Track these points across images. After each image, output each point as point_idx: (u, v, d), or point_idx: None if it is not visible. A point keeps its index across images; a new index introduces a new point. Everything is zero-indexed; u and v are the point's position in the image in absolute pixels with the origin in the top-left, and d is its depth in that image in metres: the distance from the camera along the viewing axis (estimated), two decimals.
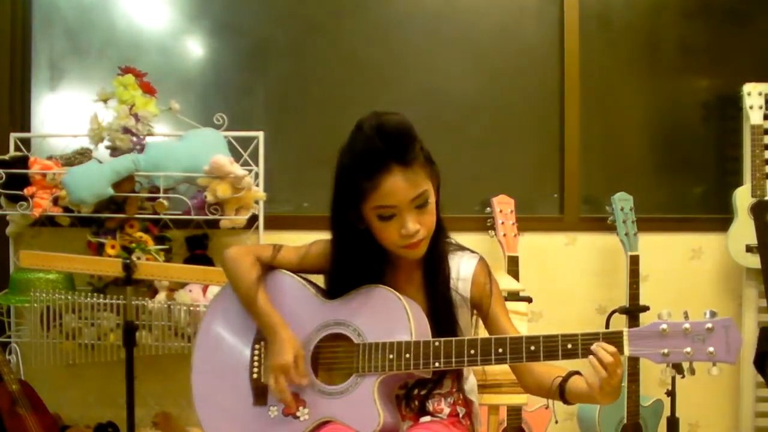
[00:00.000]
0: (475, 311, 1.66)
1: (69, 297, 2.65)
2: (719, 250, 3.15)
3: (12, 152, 2.89)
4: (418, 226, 1.50)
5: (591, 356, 1.39)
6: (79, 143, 2.89)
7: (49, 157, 2.81)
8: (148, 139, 2.79)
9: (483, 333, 1.67)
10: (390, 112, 1.51)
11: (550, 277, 3.15)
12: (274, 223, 2.99)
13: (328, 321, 1.60)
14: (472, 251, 1.68)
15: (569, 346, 1.40)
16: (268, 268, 1.68)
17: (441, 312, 1.60)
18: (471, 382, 1.72)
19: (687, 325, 1.35)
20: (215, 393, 1.64)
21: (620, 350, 1.38)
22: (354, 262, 1.59)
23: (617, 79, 3.26)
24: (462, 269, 1.64)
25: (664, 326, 1.36)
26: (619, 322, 2.91)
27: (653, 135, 3.31)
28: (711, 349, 1.34)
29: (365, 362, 1.52)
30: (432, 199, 1.53)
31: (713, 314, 1.35)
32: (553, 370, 1.54)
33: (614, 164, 3.27)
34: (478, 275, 1.64)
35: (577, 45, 3.18)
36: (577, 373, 1.50)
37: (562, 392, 1.50)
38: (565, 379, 1.50)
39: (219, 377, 1.65)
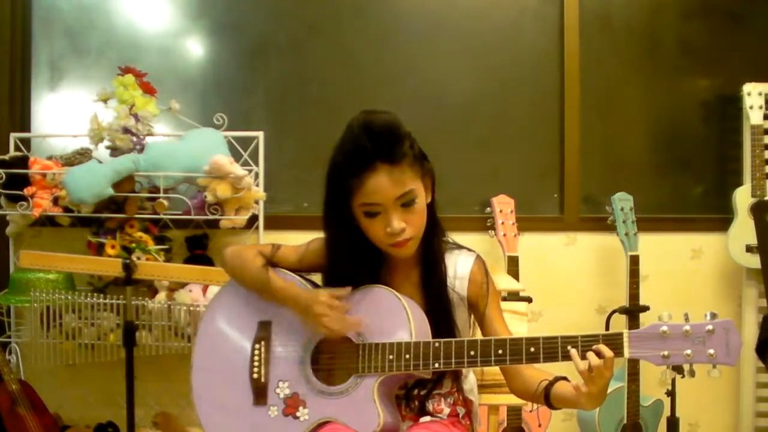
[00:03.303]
0: (471, 311, 1.66)
1: (69, 297, 2.65)
2: (719, 250, 3.15)
3: (12, 152, 2.89)
4: (403, 225, 1.51)
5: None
6: (79, 143, 2.88)
7: (49, 157, 2.81)
8: (148, 139, 2.79)
9: (478, 333, 1.68)
10: (380, 111, 1.52)
11: (550, 277, 3.15)
12: (274, 223, 2.99)
13: None
14: (470, 249, 1.69)
15: (569, 347, 1.40)
16: (269, 263, 1.68)
17: (438, 311, 1.60)
18: (471, 382, 1.72)
19: (687, 327, 1.35)
20: (215, 393, 1.64)
21: (620, 352, 1.38)
22: (349, 259, 1.59)
23: (617, 79, 3.26)
24: (459, 268, 1.64)
25: (665, 328, 1.36)
26: (619, 322, 2.92)
27: (653, 135, 3.30)
28: (711, 351, 1.34)
29: (365, 363, 1.52)
30: (420, 199, 1.53)
31: (713, 316, 1.35)
32: (540, 374, 1.55)
33: (614, 164, 3.27)
34: (476, 274, 1.64)
35: (577, 45, 3.18)
36: (565, 378, 1.50)
37: (547, 396, 1.50)
38: (552, 383, 1.51)
39: (219, 377, 1.65)
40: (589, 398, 1.40)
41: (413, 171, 1.51)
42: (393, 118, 1.51)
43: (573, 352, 1.40)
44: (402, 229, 1.51)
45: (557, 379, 1.51)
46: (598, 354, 1.38)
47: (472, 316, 1.68)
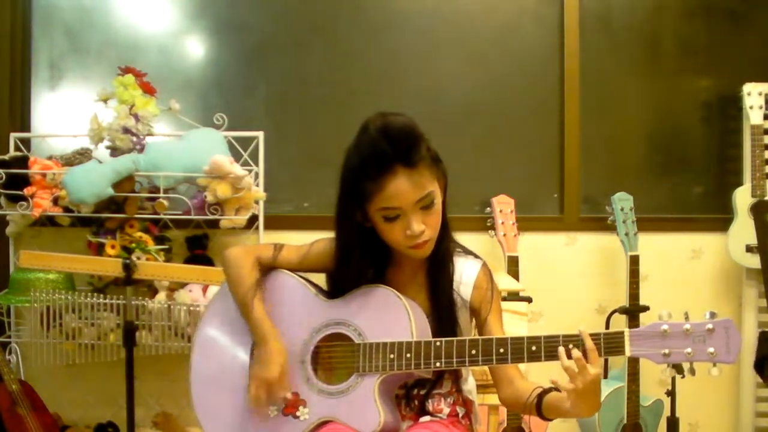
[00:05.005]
0: (472, 316, 1.66)
1: (69, 297, 2.65)
2: (719, 250, 3.15)
3: (12, 152, 2.89)
4: (423, 227, 1.51)
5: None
6: (79, 143, 2.88)
7: (49, 157, 2.81)
8: (148, 139, 2.79)
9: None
10: (396, 112, 1.51)
11: (550, 277, 3.15)
12: (274, 223, 2.99)
13: (329, 320, 1.60)
14: (476, 256, 1.69)
15: (570, 346, 1.41)
16: (269, 268, 1.68)
17: (443, 312, 1.60)
18: (470, 382, 1.72)
19: (688, 326, 1.36)
20: (214, 393, 1.64)
21: (621, 351, 1.38)
22: (358, 260, 1.59)
23: (617, 79, 3.26)
24: (465, 273, 1.64)
25: (665, 327, 1.36)
26: (619, 322, 2.92)
27: (653, 135, 3.31)
28: (711, 349, 1.34)
29: (366, 362, 1.52)
30: (438, 200, 1.53)
31: (713, 315, 1.36)
32: (533, 385, 1.55)
33: (614, 164, 3.27)
34: (481, 281, 1.64)
35: (577, 45, 3.18)
36: (558, 390, 1.50)
37: (539, 404, 1.50)
38: (546, 391, 1.51)
39: (218, 377, 1.65)
40: (576, 398, 1.40)
41: (431, 173, 1.51)
42: (410, 120, 1.51)
43: (561, 350, 1.40)
44: (422, 231, 1.51)
45: (551, 389, 1.51)
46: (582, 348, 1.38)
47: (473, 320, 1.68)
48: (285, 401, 1.56)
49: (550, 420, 1.54)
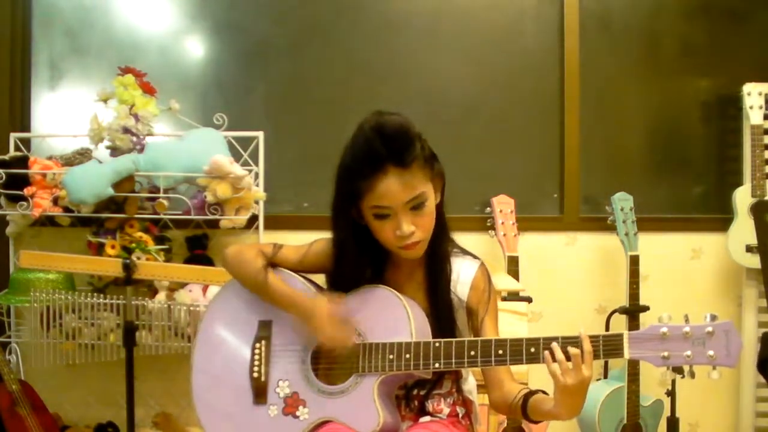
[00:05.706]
0: (468, 317, 1.66)
1: (69, 297, 2.65)
2: (719, 250, 3.15)
3: (12, 152, 2.89)
4: (413, 228, 1.51)
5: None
6: (79, 143, 2.88)
7: (49, 157, 2.81)
8: (148, 139, 2.79)
9: None
10: (392, 112, 1.52)
11: (550, 277, 3.15)
12: (274, 223, 2.99)
13: None
14: (475, 256, 1.69)
15: (569, 348, 1.40)
16: (269, 264, 1.68)
17: (441, 312, 1.61)
18: (470, 382, 1.73)
19: (687, 329, 1.36)
20: (215, 392, 1.64)
21: (620, 353, 1.38)
22: (354, 257, 1.59)
23: (617, 79, 3.26)
24: (463, 273, 1.64)
25: (665, 329, 1.36)
26: (619, 322, 2.92)
27: (653, 135, 3.30)
28: (711, 352, 1.34)
29: (365, 362, 1.52)
30: (430, 201, 1.53)
31: (713, 318, 1.36)
32: (520, 386, 1.56)
33: (614, 164, 3.27)
34: (478, 280, 1.65)
35: (577, 45, 3.18)
36: (545, 393, 1.51)
37: (525, 405, 1.51)
38: (532, 392, 1.52)
39: (219, 376, 1.65)
40: (561, 395, 1.40)
41: (423, 173, 1.51)
42: (405, 120, 1.51)
43: (554, 345, 1.41)
44: (411, 232, 1.51)
45: (537, 390, 1.52)
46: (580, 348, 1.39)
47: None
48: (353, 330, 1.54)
49: (535, 422, 1.54)
